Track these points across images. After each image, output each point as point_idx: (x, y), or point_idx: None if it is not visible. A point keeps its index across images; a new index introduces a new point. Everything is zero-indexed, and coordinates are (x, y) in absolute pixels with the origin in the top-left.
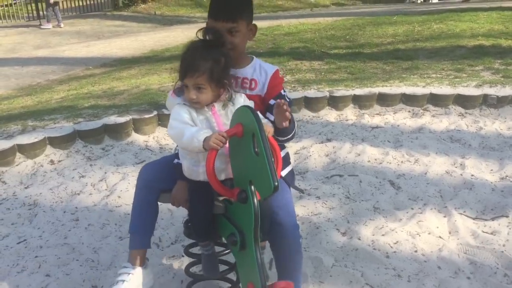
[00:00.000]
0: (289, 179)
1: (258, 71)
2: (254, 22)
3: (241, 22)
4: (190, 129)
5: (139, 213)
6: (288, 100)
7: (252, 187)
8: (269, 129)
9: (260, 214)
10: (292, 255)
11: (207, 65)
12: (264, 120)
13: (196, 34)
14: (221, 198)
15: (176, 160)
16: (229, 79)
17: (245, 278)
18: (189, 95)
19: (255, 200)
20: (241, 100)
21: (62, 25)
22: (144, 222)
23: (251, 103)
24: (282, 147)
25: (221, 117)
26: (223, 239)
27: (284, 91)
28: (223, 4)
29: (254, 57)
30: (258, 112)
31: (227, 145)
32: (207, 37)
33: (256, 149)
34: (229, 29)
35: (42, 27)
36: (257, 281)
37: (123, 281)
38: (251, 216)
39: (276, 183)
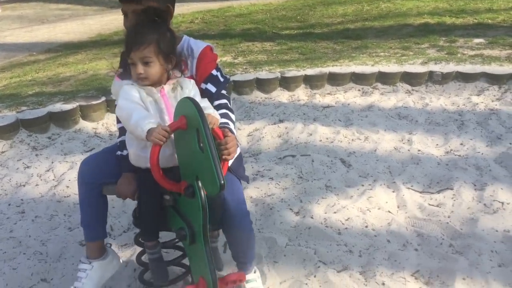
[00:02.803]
0: (236, 166)
1: (186, 51)
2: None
3: (147, 3)
4: (139, 113)
5: (87, 208)
6: (222, 79)
7: (199, 183)
8: (214, 120)
9: (209, 207)
10: (244, 240)
11: (154, 37)
12: (209, 110)
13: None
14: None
15: (119, 152)
16: (177, 56)
17: (197, 272)
18: (136, 70)
19: (203, 196)
20: (190, 85)
21: None
22: (94, 215)
23: (196, 89)
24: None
25: (170, 100)
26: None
27: (218, 71)
28: None
29: (184, 36)
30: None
31: (172, 136)
32: (150, 17)
33: (201, 144)
34: (133, 10)
35: None
36: (207, 276)
37: (81, 278)
38: (199, 211)
39: (222, 182)
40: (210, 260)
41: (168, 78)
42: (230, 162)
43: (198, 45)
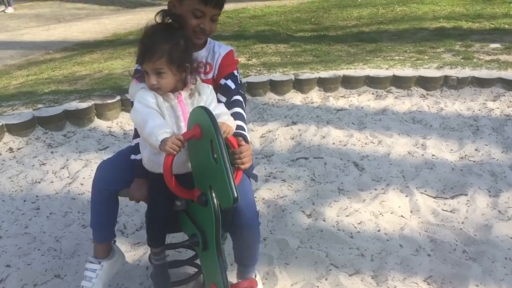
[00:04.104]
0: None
1: (212, 53)
2: None
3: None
4: (154, 121)
5: (98, 211)
6: (239, 82)
7: (213, 193)
8: (229, 129)
9: (221, 214)
10: (251, 243)
11: (166, 47)
12: (224, 117)
13: (155, 17)
14: None
15: (133, 156)
16: (192, 63)
17: (209, 279)
18: (149, 81)
19: (216, 205)
20: (208, 90)
21: (11, 9)
22: (105, 218)
23: (214, 95)
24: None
25: (187, 106)
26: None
27: (237, 73)
28: None
29: (209, 39)
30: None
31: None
32: (165, 20)
33: (215, 155)
34: (213, 15)
35: (6, 11)
36: (219, 283)
37: (91, 278)
38: (212, 219)
39: (236, 195)
40: (222, 268)
41: (186, 84)
42: None
43: (223, 48)
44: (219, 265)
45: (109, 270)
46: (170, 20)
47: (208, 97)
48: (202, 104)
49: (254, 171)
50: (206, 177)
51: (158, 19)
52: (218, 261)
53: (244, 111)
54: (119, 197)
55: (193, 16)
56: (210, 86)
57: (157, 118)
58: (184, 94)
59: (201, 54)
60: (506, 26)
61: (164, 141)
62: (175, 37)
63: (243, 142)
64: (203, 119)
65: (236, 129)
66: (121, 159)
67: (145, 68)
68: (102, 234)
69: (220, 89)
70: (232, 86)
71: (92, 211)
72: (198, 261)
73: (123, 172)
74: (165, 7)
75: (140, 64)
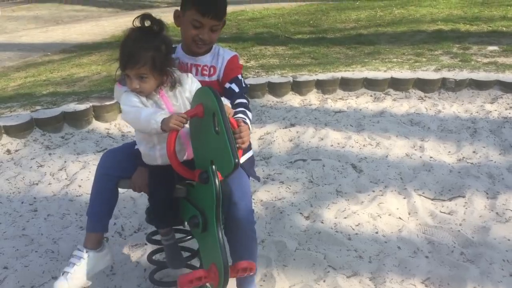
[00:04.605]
0: (248, 166)
1: (216, 57)
2: None
3: (223, 20)
4: (146, 111)
5: (97, 199)
6: (244, 85)
7: (213, 167)
8: (229, 110)
9: (221, 195)
10: (245, 240)
11: (148, 54)
12: (225, 101)
13: (133, 23)
14: (182, 182)
15: (137, 146)
16: (172, 65)
17: (208, 260)
18: (131, 85)
19: (217, 180)
20: (189, 80)
21: None
22: (102, 207)
23: (196, 82)
24: None
25: (170, 99)
26: (185, 223)
27: (242, 77)
28: (215, 2)
29: (215, 44)
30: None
31: (186, 125)
32: (145, 24)
33: (217, 128)
34: (212, 26)
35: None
36: (219, 262)
37: (74, 264)
38: (213, 196)
39: (237, 160)
40: (222, 246)
41: (166, 79)
42: (242, 159)
43: (227, 53)
44: (219, 244)
45: (94, 262)
46: (149, 23)
47: (191, 86)
48: (186, 93)
49: None
50: (208, 152)
51: (137, 23)
52: (218, 240)
53: (249, 110)
54: (119, 190)
55: (192, 27)
56: (190, 74)
57: (148, 109)
58: (164, 88)
59: (206, 59)
60: (504, 28)
61: (165, 120)
62: (156, 42)
63: (242, 123)
64: (206, 96)
65: (238, 117)
66: (124, 149)
67: (128, 73)
68: (95, 223)
69: (224, 92)
70: (236, 89)
71: (91, 199)
72: (195, 261)
73: (125, 161)
74: (163, 9)
75: (122, 69)
